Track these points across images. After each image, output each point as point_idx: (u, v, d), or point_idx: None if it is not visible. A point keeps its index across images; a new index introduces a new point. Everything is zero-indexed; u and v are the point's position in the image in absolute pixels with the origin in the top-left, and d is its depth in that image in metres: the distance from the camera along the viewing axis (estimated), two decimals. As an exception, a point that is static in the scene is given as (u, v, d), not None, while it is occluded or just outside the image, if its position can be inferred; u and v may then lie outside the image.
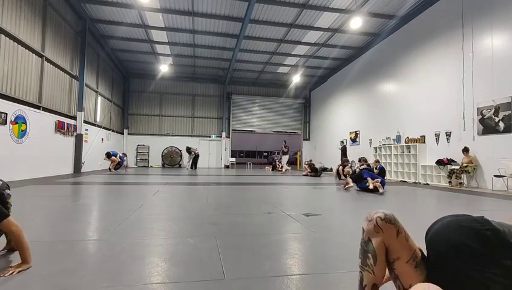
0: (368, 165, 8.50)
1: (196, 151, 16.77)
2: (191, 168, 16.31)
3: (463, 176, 8.28)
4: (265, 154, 39.70)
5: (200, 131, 19.53)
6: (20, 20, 7.87)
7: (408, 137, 10.78)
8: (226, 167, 19.45)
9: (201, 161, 19.18)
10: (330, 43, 13.50)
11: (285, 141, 15.02)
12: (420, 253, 1.12)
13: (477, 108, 8.16)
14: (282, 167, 14.98)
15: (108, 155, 12.65)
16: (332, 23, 11.74)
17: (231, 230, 2.96)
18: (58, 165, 9.94)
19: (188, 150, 16.53)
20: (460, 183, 8.24)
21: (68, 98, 10.90)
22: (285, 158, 14.83)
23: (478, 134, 8.14)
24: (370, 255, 1.14)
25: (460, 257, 0.94)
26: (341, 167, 10.05)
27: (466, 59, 8.50)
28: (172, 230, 2.91)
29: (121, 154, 13.46)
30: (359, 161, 9.52)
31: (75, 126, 11.24)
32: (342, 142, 15.30)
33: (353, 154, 13.52)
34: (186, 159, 17.03)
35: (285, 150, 14.75)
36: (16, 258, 2.01)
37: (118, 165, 13.02)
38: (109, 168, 12.53)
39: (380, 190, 6.37)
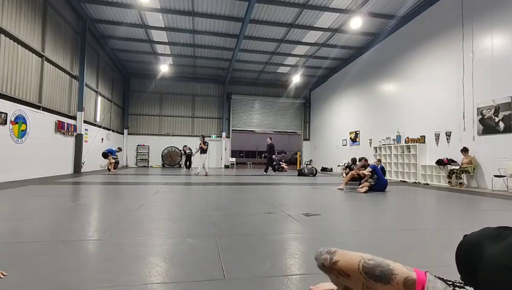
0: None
1: (187, 151, 16.63)
2: (187, 168, 16.21)
3: (463, 176, 8.28)
4: (265, 154, 39.67)
5: (200, 131, 19.52)
6: (20, 20, 7.87)
7: (408, 137, 10.78)
8: (226, 167, 19.46)
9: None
10: (330, 43, 13.50)
11: (203, 137, 12.18)
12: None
13: (477, 108, 8.16)
14: (203, 167, 11.68)
15: (105, 155, 12.55)
16: (332, 23, 11.74)
17: (231, 230, 2.96)
18: (58, 165, 9.94)
19: (183, 148, 16.56)
20: (460, 183, 8.23)
21: (68, 98, 10.90)
22: (203, 157, 11.68)
23: (478, 134, 8.14)
24: None
25: None
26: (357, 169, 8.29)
27: (466, 59, 8.50)
28: (172, 230, 2.91)
29: (115, 149, 13.32)
30: (359, 161, 9.52)
31: (75, 126, 11.24)
32: (270, 138, 14.28)
33: (353, 155, 13.51)
34: (184, 160, 17.05)
35: (205, 147, 11.80)
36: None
37: (117, 164, 12.97)
38: (108, 169, 12.46)
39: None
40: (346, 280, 1.07)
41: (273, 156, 14.10)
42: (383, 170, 9.27)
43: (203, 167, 11.49)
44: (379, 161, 10.15)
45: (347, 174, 9.00)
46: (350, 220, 3.87)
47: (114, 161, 12.58)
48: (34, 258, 2.03)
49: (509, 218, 4.07)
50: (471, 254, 0.97)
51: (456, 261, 1.05)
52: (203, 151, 11.72)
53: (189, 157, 16.49)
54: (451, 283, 0.93)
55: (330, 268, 1.09)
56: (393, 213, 4.36)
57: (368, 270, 1.01)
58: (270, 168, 14.04)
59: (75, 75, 11.38)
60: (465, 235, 1.07)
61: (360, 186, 6.86)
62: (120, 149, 14.13)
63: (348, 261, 1.05)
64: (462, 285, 0.91)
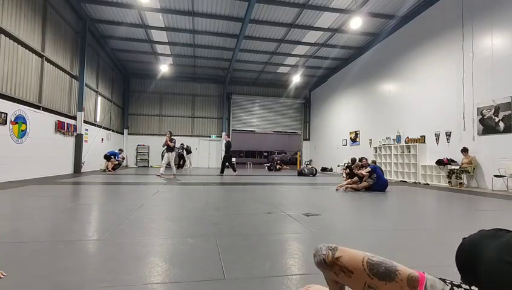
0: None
1: (180, 151, 16.42)
2: (179, 167, 15.71)
3: (463, 176, 8.28)
4: (265, 154, 39.73)
5: (200, 131, 19.54)
6: (20, 20, 7.87)
7: (408, 137, 10.78)
8: (226, 167, 19.43)
9: (202, 160, 19.21)
10: (330, 43, 13.50)
11: (170, 133, 10.69)
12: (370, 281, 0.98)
13: (477, 108, 8.16)
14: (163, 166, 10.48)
15: (108, 158, 12.55)
16: (332, 23, 11.74)
17: (231, 230, 2.96)
18: (58, 165, 9.94)
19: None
20: (460, 183, 8.23)
21: (68, 98, 10.90)
22: (171, 156, 10.43)
23: (478, 134, 8.14)
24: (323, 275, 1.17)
25: None
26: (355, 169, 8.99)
27: (466, 59, 8.50)
28: (172, 230, 2.91)
29: (117, 151, 13.34)
30: (359, 161, 9.56)
31: (75, 126, 11.24)
32: (228, 135, 13.37)
33: (353, 155, 13.50)
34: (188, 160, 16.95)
35: (171, 144, 10.38)
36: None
37: (118, 165, 13.00)
38: (107, 168, 12.45)
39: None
40: (347, 278, 1.02)
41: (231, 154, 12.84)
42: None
43: (171, 167, 10.40)
44: (374, 162, 10.22)
45: (347, 174, 9.04)
46: (350, 220, 3.87)
47: (116, 162, 12.65)
48: (34, 258, 2.03)
49: (509, 218, 4.07)
50: (471, 253, 0.99)
51: (456, 261, 1.06)
52: (170, 149, 10.38)
53: (181, 156, 16.46)
54: (449, 281, 0.93)
55: (332, 264, 1.04)
56: (392, 213, 4.36)
57: (373, 266, 0.98)
58: (231, 168, 12.85)
59: (75, 75, 11.38)
60: (464, 238, 1.09)
61: (360, 185, 6.88)
62: (121, 151, 14.15)
63: (352, 258, 1.02)
64: (459, 284, 0.91)
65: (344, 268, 1.01)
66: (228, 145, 12.55)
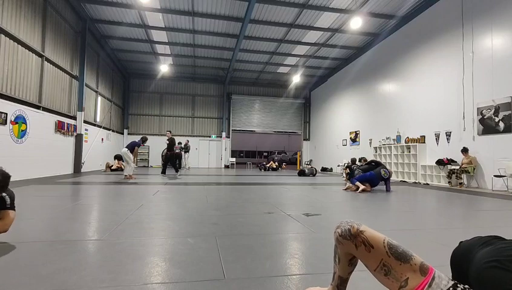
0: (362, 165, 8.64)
1: (177, 150, 16.04)
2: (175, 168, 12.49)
3: (464, 176, 8.28)
4: (265, 154, 39.73)
5: (200, 131, 19.54)
6: (20, 20, 7.87)
7: (408, 137, 10.78)
8: (226, 167, 19.46)
9: (202, 160, 19.21)
10: (330, 43, 13.50)
11: (144, 140, 9.69)
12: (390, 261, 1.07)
13: (477, 108, 8.16)
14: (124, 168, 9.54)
15: (119, 159, 12.72)
16: (332, 23, 11.74)
17: (231, 230, 2.96)
18: (58, 165, 9.94)
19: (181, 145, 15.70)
20: (461, 183, 8.23)
21: (68, 98, 10.90)
22: (131, 164, 9.36)
23: (478, 134, 8.14)
24: (336, 255, 1.30)
25: None
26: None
27: (466, 59, 8.50)
28: (172, 230, 2.91)
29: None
30: (359, 161, 9.63)
31: (75, 126, 11.24)
32: (170, 131, 12.34)
33: (353, 155, 13.51)
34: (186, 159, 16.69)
35: (136, 145, 9.63)
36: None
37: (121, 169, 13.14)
38: (110, 168, 12.53)
39: (368, 189, 6.79)
40: (366, 252, 1.12)
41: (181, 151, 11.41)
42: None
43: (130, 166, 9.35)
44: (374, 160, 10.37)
45: (347, 174, 9.13)
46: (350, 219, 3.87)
47: (120, 164, 12.81)
48: (34, 258, 2.03)
49: (509, 218, 4.07)
50: (464, 256, 1.08)
51: (451, 261, 1.16)
52: (131, 150, 9.55)
53: (178, 156, 16.34)
54: (452, 279, 1.02)
55: (356, 235, 1.14)
56: (392, 213, 4.36)
57: (392, 246, 1.09)
58: (173, 168, 11.45)
59: (75, 75, 11.38)
60: (461, 242, 1.18)
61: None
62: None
63: (374, 235, 1.13)
64: (458, 283, 1.00)
65: (366, 241, 1.12)
66: (171, 142, 11.21)
